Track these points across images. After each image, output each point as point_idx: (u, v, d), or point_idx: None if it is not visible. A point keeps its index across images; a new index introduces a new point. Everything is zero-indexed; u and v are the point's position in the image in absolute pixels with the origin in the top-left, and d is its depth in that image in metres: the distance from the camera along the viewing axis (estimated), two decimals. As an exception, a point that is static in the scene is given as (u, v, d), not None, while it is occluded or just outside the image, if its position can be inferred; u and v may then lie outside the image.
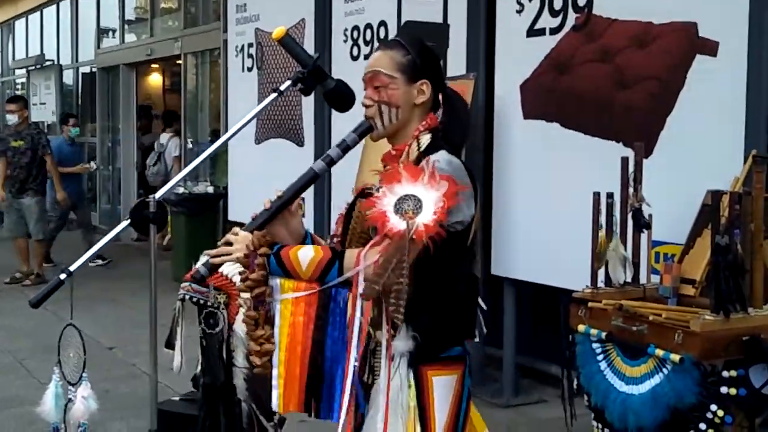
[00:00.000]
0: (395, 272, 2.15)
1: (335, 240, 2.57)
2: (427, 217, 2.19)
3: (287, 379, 2.31)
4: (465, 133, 2.56)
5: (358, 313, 2.23)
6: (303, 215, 2.56)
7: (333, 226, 2.66)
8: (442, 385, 2.40)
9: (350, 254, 2.28)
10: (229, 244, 2.35)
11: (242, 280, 2.33)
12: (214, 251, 2.35)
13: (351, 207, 2.55)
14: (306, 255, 2.30)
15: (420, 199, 2.22)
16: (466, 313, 2.49)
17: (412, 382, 2.35)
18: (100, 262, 10.59)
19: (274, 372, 2.34)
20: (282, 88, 2.53)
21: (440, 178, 2.23)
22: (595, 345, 3.34)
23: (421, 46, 2.48)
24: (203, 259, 2.38)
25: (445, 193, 2.21)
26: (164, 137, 11.80)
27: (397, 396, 2.29)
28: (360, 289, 2.21)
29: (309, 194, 2.50)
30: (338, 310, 2.29)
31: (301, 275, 2.29)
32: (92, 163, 12.16)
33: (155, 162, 11.75)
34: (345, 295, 2.27)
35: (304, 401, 2.35)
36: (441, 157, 2.34)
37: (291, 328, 2.29)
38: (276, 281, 2.30)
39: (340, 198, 2.70)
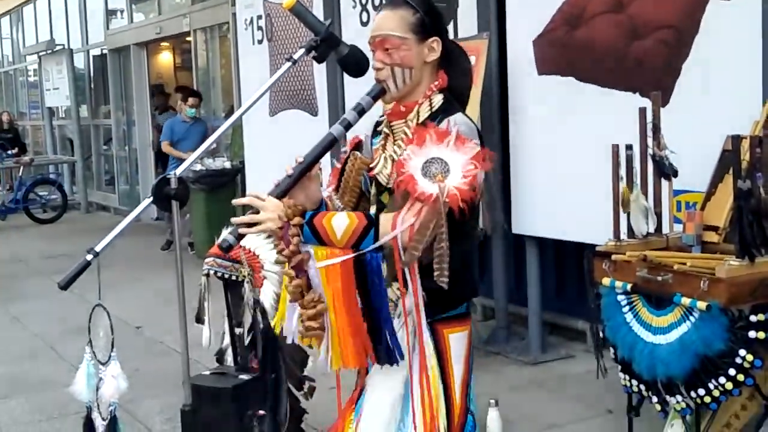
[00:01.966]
0: (436, 236, 2.18)
1: (329, 189, 2.60)
2: (456, 179, 2.21)
3: (342, 339, 2.32)
4: (468, 85, 2.56)
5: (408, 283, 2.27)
6: (321, 184, 2.56)
7: (327, 178, 2.67)
8: (457, 341, 2.49)
9: (386, 219, 2.28)
10: (257, 212, 2.33)
11: (278, 252, 2.32)
12: (244, 218, 2.33)
13: (346, 160, 2.58)
14: (341, 223, 2.29)
15: (447, 162, 2.23)
16: (474, 270, 2.56)
17: (430, 341, 2.42)
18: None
19: (327, 333, 2.35)
20: (296, 56, 2.51)
21: (468, 141, 2.27)
22: (620, 297, 3.33)
23: (427, 2, 2.47)
24: (230, 229, 2.38)
25: (475, 157, 2.24)
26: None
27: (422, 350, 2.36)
28: (402, 257, 2.23)
29: (325, 159, 2.50)
30: (374, 275, 2.29)
31: (336, 243, 2.28)
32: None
33: None
34: (379, 258, 2.28)
35: (363, 356, 2.36)
36: (460, 119, 2.35)
37: (332, 295, 2.29)
38: (310, 250, 2.30)
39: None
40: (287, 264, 2.30)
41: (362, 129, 2.63)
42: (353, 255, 2.26)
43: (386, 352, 2.33)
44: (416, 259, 2.23)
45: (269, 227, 2.31)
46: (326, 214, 2.34)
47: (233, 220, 2.35)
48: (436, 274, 2.20)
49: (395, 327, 2.33)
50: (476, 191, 2.26)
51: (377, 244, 2.26)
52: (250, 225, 2.32)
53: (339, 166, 2.62)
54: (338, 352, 2.31)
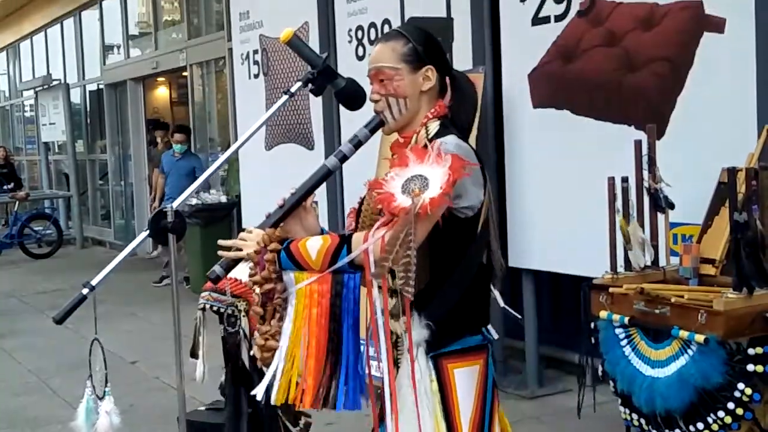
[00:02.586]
0: (402, 247, 2.13)
1: (348, 232, 2.56)
2: (433, 192, 2.17)
3: (304, 373, 2.29)
4: (472, 113, 2.56)
5: (377, 302, 2.22)
6: (317, 216, 2.55)
7: (346, 220, 2.65)
8: (464, 377, 2.38)
9: (357, 236, 2.27)
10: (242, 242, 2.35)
11: (250, 276, 2.32)
12: (228, 242, 2.35)
13: (363, 201, 2.54)
14: (314, 244, 2.29)
15: (426, 177, 2.20)
16: (479, 301, 2.48)
17: (434, 377, 2.34)
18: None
19: (278, 365, 2.31)
20: (293, 89, 2.52)
21: (445, 156, 2.22)
22: (618, 330, 3.32)
23: (420, 32, 2.47)
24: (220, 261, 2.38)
25: (450, 167, 2.19)
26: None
27: (421, 386, 2.28)
28: (371, 270, 2.19)
29: (321, 192, 2.50)
30: (351, 296, 2.27)
31: (312, 265, 2.27)
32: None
33: None
34: (356, 278, 2.26)
35: (322, 396, 2.32)
36: (449, 139, 2.33)
37: (305, 321, 2.28)
38: (290, 275, 2.29)
39: (353, 195, 2.70)
40: (257, 288, 2.30)
41: (360, 161, 2.62)
42: (330, 270, 2.25)
43: (345, 394, 2.28)
44: (385, 271, 2.16)
45: (247, 252, 2.32)
46: (303, 239, 2.34)
47: (220, 243, 2.36)
48: (400, 282, 2.15)
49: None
50: (450, 198, 2.20)
51: (349, 258, 2.24)
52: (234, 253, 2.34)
53: (356, 207, 2.59)
54: (285, 387, 2.29)
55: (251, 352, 2.42)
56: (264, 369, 2.36)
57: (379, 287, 2.21)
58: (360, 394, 2.29)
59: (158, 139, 11.77)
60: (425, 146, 2.34)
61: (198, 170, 10.25)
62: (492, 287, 2.58)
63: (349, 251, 2.25)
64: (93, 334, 2.58)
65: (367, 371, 2.26)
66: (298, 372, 2.29)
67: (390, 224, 2.20)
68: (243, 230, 2.41)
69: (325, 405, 2.31)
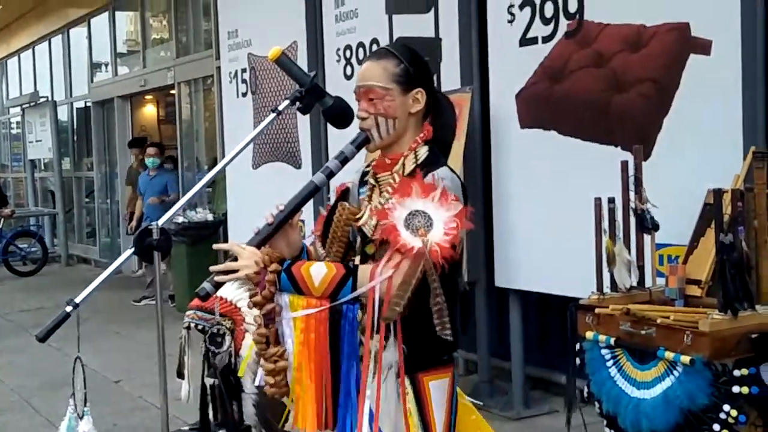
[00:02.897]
0: (431, 291, 2.20)
1: (313, 238, 2.59)
2: (438, 235, 2.21)
3: (303, 398, 2.30)
4: (452, 133, 2.58)
5: (374, 334, 2.23)
6: (303, 236, 2.55)
7: (313, 225, 2.65)
8: (437, 388, 2.45)
9: (364, 270, 2.28)
10: (235, 260, 2.33)
11: (251, 296, 2.31)
12: (221, 266, 2.33)
13: (333, 208, 2.54)
14: (319, 271, 2.29)
15: (430, 216, 2.24)
16: (452, 324, 2.51)
17: (410, 389, 2.38)
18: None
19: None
20: (281, 107, 2.51)
21: (452, 198, 2.27)
22: (604, 351, 3.31)
23: (412, 53, 2.48)
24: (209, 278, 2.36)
25: (457, 215, 2.25)
26: None
27: (385, 406, 2.31)
28: (384, 313, 2.22)
29: (308, 208, 2.50)
30: (348, 327, 2.28)
31: (313, 292, 2.28)
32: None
33: None
34: (355, 310, 2.27)
35: (322, 419, 2.33)
36: (445, 174, 2.36)
37: (302, 347, 2.28)
38: (285, 298, 2.29)
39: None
40: (258, 310, 2.29)
41: (347, 177, 2.62)
42: (329, 306, 2.26)
43: (342, 419, 2.30)
44: (398, 314, 2.21)
45: (247, 274, 2.31)
46: (304, 263, 2.34)
47: (212, 268, 2.34)
48: (438, 328, 2.21)
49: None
50: (457, 250, 2.27)
51: (354, 294, 2.26)
52: (227, 273, 2.32)
53: (325, 213, 2.60)
54: (295, 411, 2.30)
55: (255, 382, 2.42)
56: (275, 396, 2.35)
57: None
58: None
59: (133, 157, 11.77)
60: (413, 172, 2.37)
61: (170, 186, 10.34)
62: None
63: (354, 285, 2.27)
64: (77, 353, 2.56)
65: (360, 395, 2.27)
66: (303, 395, 2.30)
67: (397, 264, 2.22)
68: (225, 255, 2.39)
69: (327, 428, 2.33)
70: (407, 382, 2.38)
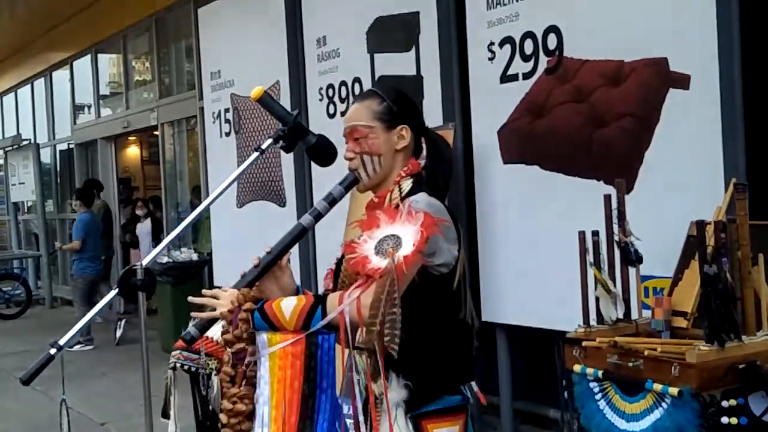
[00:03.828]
0: (387, 305, 2.12)
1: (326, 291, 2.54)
2: (407, 249, 2.18)
3: None
4: (449, 174, 2.56)
5: (345, 359, 2.21)
6: (291, 275, 2.54)
7: (322, 282, 2.64)
8: None
9: (333, 297, 2.27)
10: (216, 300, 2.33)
11: (223, 335, 2.31)
12: (198, 300, 2.33)
13: (340, 262, 2.53)
14: (288, 304, 2.29)
15: (399, 236, 2.21)
16: (458, 360, 2.46)
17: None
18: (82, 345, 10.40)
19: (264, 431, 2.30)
20: (264, 146, 2.53)
21: (416, 213, 2.23)
22: (592, 384, 3.31)
23: (396, 92, 2.50)
24: (193, 321, 2.36)
25: (422, 224, 2.20)
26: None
27: None
28: (362, 336, 2.17)
29: (294, 250, 2.50)
30: (326, 358, 2.27)
31: (285, 325, 2.27)
32: (56, 243, 12.32)
33: None
34: (331, 340, 2.26)
35: None
36: (419, 197, 2.34)
37: (280, 384, 2.26)
38: (263, 337, 2.28)
39: (326, 251, 2.70)
40: (228, 348, 2.29)
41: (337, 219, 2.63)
42: (304, 334, 2.24)
43: None
44: (374, 336, 2.15)
45: (221, 312, 2.31)
46: (277, 299, 2.33)
47: (191, 300, 2.34)
48: (386, 339, 2.13)
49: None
50: (423, 255, 2.21)
51: (325, 321, 2.23)
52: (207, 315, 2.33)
53: (333, 268, 2.57)
54: None
55: (220, 416, 2.38)
56: None
57: (356, 348, 2.20)
58: None
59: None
60: (397, 205, 2.35)
61: (74, 232, 10.84)
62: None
63: (324, 312, 2.25)
64: (62, 395, 2.54)
65: (341, 431, 2.25)
66: None
67: (366, 285, 2.19)
68: (217, 288, 2.40)
69: None
70: (410, 426, 2.30)
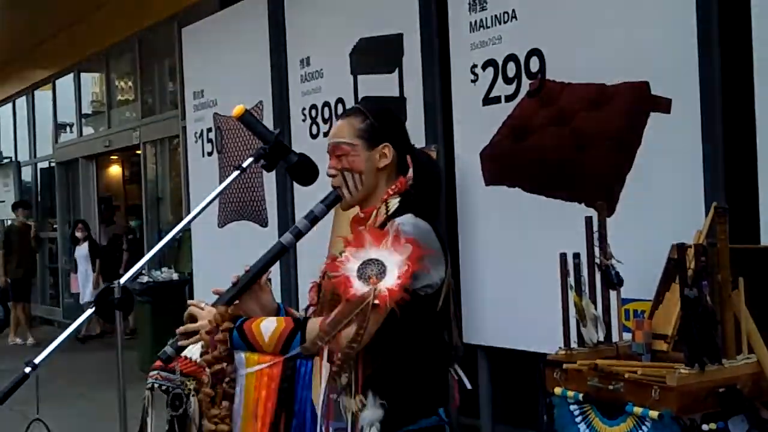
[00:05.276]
0: (354, 338, 2.12)
1: (311, 309, 2.52)
2: (390, 281, 2.16)
3: None
4: (436, 193, 2.54)
5: (323, 385, 2.19)
6: (271, 293, 2.52)
7: (306, 295, 2.62)
8: None
9: (313, 323, 2.24)
10: (194, 318, 2.31)
11: (202, 355, 2.29)
12: (181, 329, 2.31)
13: (325, 275, 2.51)
14: (268, 327, 2.26)
15: (383, 263, 2.18)
16: (437, 381, 2.44)
17: None
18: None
19: None
20: (245, 164, 2.51)
21: (404, 241, 2.20)
22: (573, 407, 3.30)
23: (380, 110, 2.48)
24: (171, 341, 2.34)
25: (409, 257, 2.18)
26: None
27: None
28: (299, 349, 2.17)
29: (275, 268, 2.49)
30: (301, 382, 2.25)
31: (264, 348, 2.24)
32: None
33: None
34: (309, 367, 2.24)
35: None
36: (406, 219, 2.30)
37: (254, 404, 2.25)
38: (241, 356, 2.27)
39: (307, 271, 2.68)
40: (208, 369, 2.27)
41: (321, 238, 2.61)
42: (282, 359, 2.22)
43: None
44: (316, 350, 2.16)
45: (200, 334, 2.29)
46: (257, 319, 2.31)
47: (177, 329, 2.32)
48: (333, 369, 2.16)
49: None
50: (409, 292, 2.18)
51: (302, 348, 2.21)
52: (188, 336, 2.30)
53: (318, 281, 2.55)
54: None
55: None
56: None
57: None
58: None
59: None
60: (383, 224, 2.32)
61: None
62: (456, 368, 2.55)
63: (303, 337, 2.23)
64: (37, 414, 2.50)
65: None
66: None
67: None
68: (192, 304, 2.37)
69: None
70: None
